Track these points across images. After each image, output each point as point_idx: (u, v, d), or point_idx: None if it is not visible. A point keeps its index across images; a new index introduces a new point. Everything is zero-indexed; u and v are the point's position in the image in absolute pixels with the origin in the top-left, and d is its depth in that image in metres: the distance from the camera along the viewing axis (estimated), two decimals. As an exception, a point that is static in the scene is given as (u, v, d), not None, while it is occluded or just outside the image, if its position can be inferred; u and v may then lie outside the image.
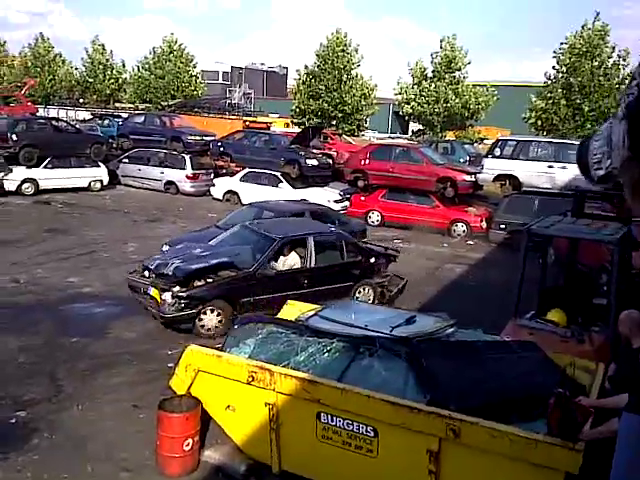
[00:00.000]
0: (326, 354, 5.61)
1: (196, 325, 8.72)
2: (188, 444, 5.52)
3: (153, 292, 8.79)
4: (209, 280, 8.92)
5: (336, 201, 18.78)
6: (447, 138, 30.28)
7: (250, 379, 5.31)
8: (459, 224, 17.02)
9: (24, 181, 18.82)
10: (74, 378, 7.29)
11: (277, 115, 36.62)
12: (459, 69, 31.09)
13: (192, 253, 9.57)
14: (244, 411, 5.51)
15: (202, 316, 8.77)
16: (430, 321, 6.16)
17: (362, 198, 18.51)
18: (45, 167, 19.34)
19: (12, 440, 5.93)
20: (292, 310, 7.24)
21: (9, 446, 5.82)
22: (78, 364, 7.66)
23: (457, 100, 30.23)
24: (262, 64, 69.77)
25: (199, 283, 8.85)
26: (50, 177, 19.31)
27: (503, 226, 15.68)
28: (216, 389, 5.65)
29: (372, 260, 10.63)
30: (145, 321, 9.27)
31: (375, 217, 17.99)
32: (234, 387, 5.48)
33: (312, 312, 6.61)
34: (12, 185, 18.58)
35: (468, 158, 23.44)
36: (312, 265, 9.76)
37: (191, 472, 5.61)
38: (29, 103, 28.60)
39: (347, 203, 18.80)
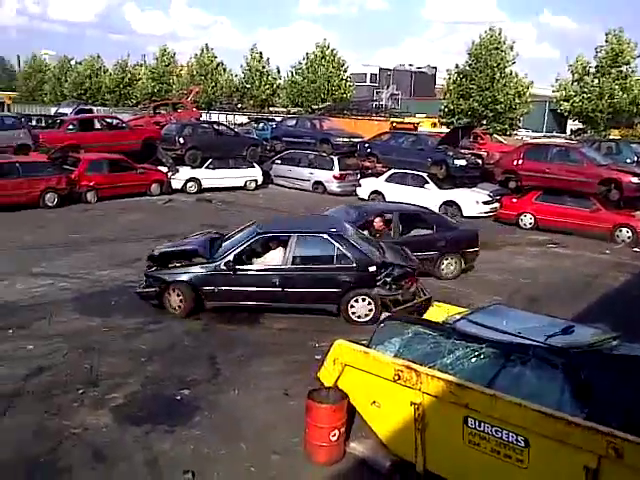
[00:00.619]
0: (474, 359, 5.50)
1: (163, 302, 9.40)
2: (335, 434, 5.70)
3: None
4: (176, 264, 9.55)
5: (485, 202, 18.18)
6: (611, 137, 27.92)
7: (396, 377, 5.37)
8: (624, 229, 15.65)
9: (188, 180, 20.56)
10: (231, 363, 7.84)
11: (424, 115, 36.24)
12: (627, 63, 28.58)
13: (183, 241, 10.65)
14: (389, 408, 5.57)
15: (168, 295, 9.35)
16: (589, 332, 5.77)
17: (514, 200, 17.71)
18: (207, 167, 20.96)
19: (177, 415, 6.54)
20: (439, 312, 7.17)
21: (175, 420, 6.41)
22: (234, 350, 8.22)
23: (624, 96, 27.79)
24: (410, 65, 69.39)
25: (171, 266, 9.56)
26: (211, 177, 20.89)
27: (677, 233, 14.19)
28: (362, 384, 5.77)
29: (371, 269, 9.24)
30: (293, 313, 9.68)
31: (528, 220, 17.13)
32: (380, 384, 5.56)
33: (460, 315, 6.49)
34: (178, 184, 20.37)
35: (636, 159, 21.41)
36: (288, 265, 9.20)
37: (336, 462, 5.79)
38: (194, 109, 31.06)
39: (497, 205, 18.12)
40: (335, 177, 21.38)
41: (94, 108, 37.75)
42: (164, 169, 20.42)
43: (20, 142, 18.71)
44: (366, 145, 22.09)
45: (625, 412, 4.50)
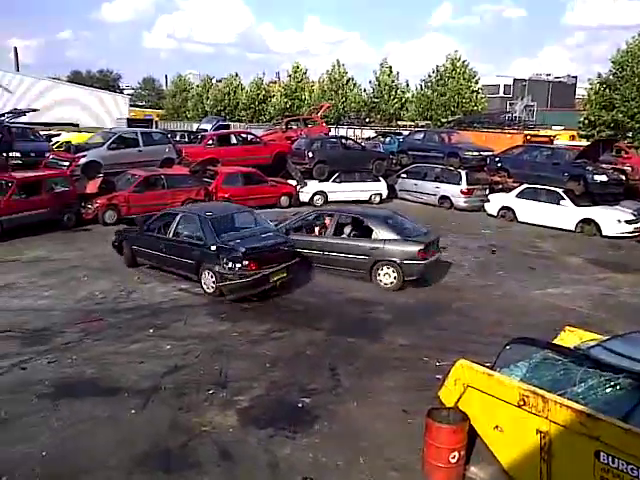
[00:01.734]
0: (609, 389, 5.16)
1: None
2: (454, 457, 5.58)
3: None
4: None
5: (628, 221, 16.85)
6: None
7: (521, 402, 5.16)
8: None
9: (315, 193, 21.12)
10: (351, 375, 7.95)
11: (562, 128, 34.31)
12: None
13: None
14: (513, 434, 5.36)
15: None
16: None
17: (661, 219, 16.25)
18: (333, 181, 21.41)
19: (299, 422, 6.74)
20: (571, 337, 6.77)
21: (297, 427, 6.62)
22: (355, 363, 8.32)
23: None
24: (548, 75, 66.28)
25: None
26: (337, 190, 21.29)
27: None
28: (484, 407, 5.60)
29: (212, 248, 10.92)
30: (417, 330, 9.62)
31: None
32: (504, 408, 5.37)
33: (594, 342, 6.09)
34: (306, 197, 21.00)
35: None
36: (169, 236, 11.83)
37: (456, 485, 5.66)
38: (323, 124, 31.90)
39: (642, 224, 16.73)
40: (462, 192, 20.89)
41: (231, 124, 40.03)
42: (293, 182, 21.16)
43: (166, 156, 20.32)
44: (496, 159, 21.37)
45: None
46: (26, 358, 8.11)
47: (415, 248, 11.69)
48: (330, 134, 29.75)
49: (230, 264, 10.62)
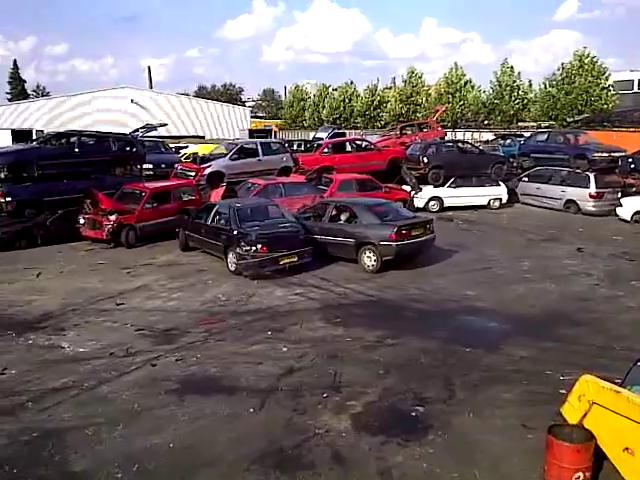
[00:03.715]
0: None
1: None
2: (578, 477, 5.27)
3: None
4: None
5: None
6: None
7: (655, 424, 4.76)
8: None
9: (431, 199, 20.82)
10: (466, 386, 7.72)
11: None
12: None
13: None
14: (646, 458, 4.95)
15: None
16: None
17: None
18: (449, 186, 20.99)
19: (411, 431, 6.66)
20: None
21: (409, 435, 6.55)
22: (470, 373, 8.08)
23: None
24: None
25: None
26: (453, 195, 20.86)
27: None
28: (613, 426, 5.24)
29: (235, 232, 13.06)
30: (539, 341, 9.17)
31: None
32: (635, 429, 4.99)
33: None
34: (421, 202, 20.75)
35: None
36: (209, 223, 14.14)
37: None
38: (439, 128, 31.37)
39: None
40: (591, 195, 19.63)
41: (346, 131, 40.52)
42: (408, 188, 21.00)
43: (283, 165, 21.01)
44: (629, 160, 19.88)
45: None
46: (156, 355, 8.73)
47: (388, 231, 12.99)
48: (446, 138, 29.21)
49: (246, 247, 12.73)
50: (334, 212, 14.33)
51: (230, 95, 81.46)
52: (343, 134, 36.15)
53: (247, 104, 76.07)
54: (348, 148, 23.84)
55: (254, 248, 12.66)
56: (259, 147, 21.08)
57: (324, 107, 54.06)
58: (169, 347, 9.05)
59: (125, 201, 16.60)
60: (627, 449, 5.11)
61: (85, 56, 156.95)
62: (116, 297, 11.49)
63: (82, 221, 16.14)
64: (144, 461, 6.07)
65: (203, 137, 39.97)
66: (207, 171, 19.26)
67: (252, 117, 57.80)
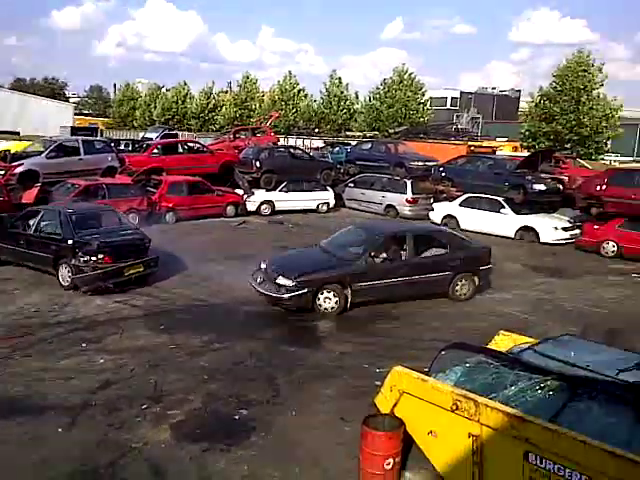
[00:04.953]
0: (539, 392, 5.20)
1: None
2: (389, 463, 5.52)
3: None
4: None
5: (565, 229, 17.42)
6: None
7: (454, 407, 5.16)
8: None
9: (263, 202, 21.00)
10: (290, 385, 7.82)
11: (505, 139, 35.32)
12: None
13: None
14: (446, 439, 5.35)
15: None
16: (669, 368, 5.33)
17: (595, 227, 16.83)
18: (281, 190, 21.34)
19: (234, 435, 6.56)
20: (505, 341, 6.86)
21: (232, 439, 6.44)
22: (294, 372, 8.20)
23: None
24: (493, 88, 68.25)
25: None
26: (285, 199, 21.25)
27: None
28: (419, 412, 5.58)
29: (69, 242, 11.57)
30: (358, 337, 9.59)
31: (610, 248, 16.20)
32: (437, 413, 5.36)
33: (526, 345, 6.18)
34: (253, 206, 20.85)
35: None
36: (31, 232, 12.38)
37: (390, 492, 5.60)
38: (272, 133, 31.84)
39: (577, 231, 17.30)
40: (408, 201, 21.16)
41: (179, 133, 39.49)
42: (240, 192, 20.98)
43: (108, 165, 19.79)
44: (441, 169, 21.75)
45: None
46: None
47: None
48: (279, 143, 29.71)
49: (85, 257, 11.33)
50: None
51: (52, 90, 75.07)
52: (175, 135, 35.14)
53: (71, 100, 70.77)
54: (180, 150, 23.16)
55: (94, 259, 11.29)
56: (81, 145, 19.61)
57: (156, 107, 52.21)
58: (-37, 366, 8.00)
59: None
60: (431, 432, 5.48)
61: None
62: None
63: None
64: None
65: (18, 133, 36.29)
66: (18, 170, 17.49)
67: (77, 114, 53.84)
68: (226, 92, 53.21)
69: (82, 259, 11.29)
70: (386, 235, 11.66)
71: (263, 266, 11.16)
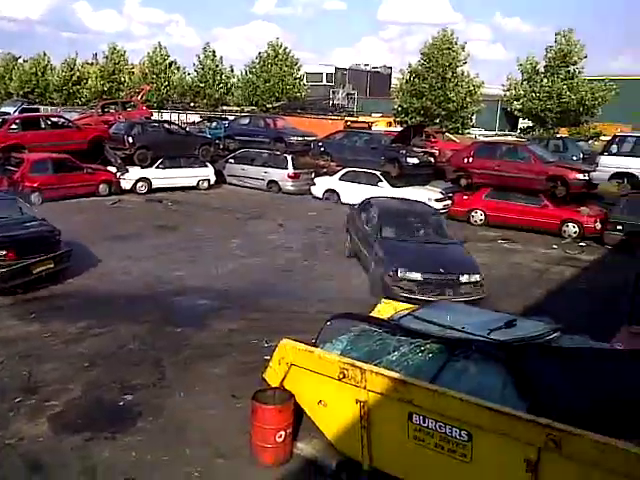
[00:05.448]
0: (419, 355, 5.48)
1: None
2: (281, 436, 5.60)
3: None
4: None
5: (437, 200, 18.36)
6: (559, 135, 28.67)
7: (341, 376, 5.31)
8: (570, 224, 16.04)
9: (138, 180, 20.06)
10: (176, 366, 7.65)
11: (380, 115, 36.44)
12: (574, 63, 29.34)
13: None
14: (335, 407, 5.51)
15: None
16: (532, 325, 5.83)
17: (465, 197, 17.97)
18: (157, 167, 20.49)
19: (119, 422, 6.32)
20: (386, 309, 7.15)
21: (117, 427, 6.20)
22: (181, 353, 8.03)
23: (572, 95, 28.55)
24: (366, 65, 69.84)
25: None
26: (162, 177, 20.44)
27: (620, 227, 14.75)
28: (308, 383, 5.69)
29: None
30: (246, 313, 9.55)
31: (478, 216, 17.40)
32: (326, 382, 5.49)
33: (406, 312, 6.48)
34: (128, 184, 19.87)
35: (582, 156, 22.04)
36: None
37: (283, 463, 5.70)
38: (144, 107, 30.42)
39: (449, 202, 18.35)
40: (289, 176, 21.23)
41: (41, 107, 36.55)
42: (113, 169, 19.89)
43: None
44: (320, 144, 22.02)
45: (563, 404, 4.54)
46: None
47: None
48: (152, 118, 28.46)
49: None
50: None
51: None
52: (36, 110, 32.49)
53: None
54: (42, 125, 21.38)
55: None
56: None
57: (12, 79, 47.80)
58: None
59: None
60: (320, 402, 5.62)
61: None
62: None
63: None
64: None
65: None
66: None
67: None
68: (91, 64, 49.80)
69: None
70: None
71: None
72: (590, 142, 27.47)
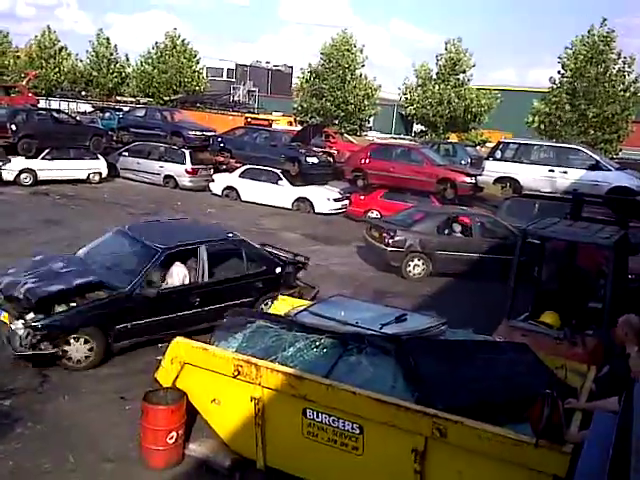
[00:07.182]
0: (314, 350, 5.55)
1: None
2: (172, 437, 5.45)
3: (3, 317, 7.33)
4: (72, 305, 7.30)
5: (336, 199, 18.72)
6: (449, 140, 30.18)
7: (236, 373, 5.25)
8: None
9: (22, 171, 18.71)
10: (60, 369, 7.21)
11: (281, 113, 36.53)
12: (463, 71, 30.98)
13: (52, 269, 7.87)
14: (229, 405, 5.44)
15: (66, 347, 7.13)
16: (420, 320, 6.09)
17: (361, 197, 18.41)
18: (44, 158, 19.22)
19: (-5, 429, 5.87)
20: (282, 305, 7.17)
21: (-7, 434, 5.76)
22: (66, 354, 7.57)
23: (460, 102, 30.13)
24: (267, 62, 69.72)
25: (59, 309, 7.23)
26: (49, 168, 19.19)
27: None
28: (202, 382, 5.58)
29: (278, 270, 9.10)
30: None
31: (374, 216, 17.90)
32: (220, 381, 5.41)
33: (302, 307, 6.53)
34: (10, 175, 18.49)
35: (469, 160, 23.35)
36: (205, 280, 8.19)
37: (175, 465, 5.56)
38: (30, 94, 28.53)
39: (347, 202, 18.74)
40: (187, 171, 20.74)
41: None
42: (-7, 159, 18.45)
43: None
44: (219, 139, 21.71)
45: (448, 394, 4.77)
46: None
47: None
48: (39, 106, 26.74)
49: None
50: None
51: None
52: None
53: None
54: None
55: None
56: None
57: None
58: None
59: None
60: (214, 400, 5.53)
61: None
62: None
63: None
64: None
65: None
66: None
67: None
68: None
69: None
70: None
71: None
72: (477, 148, 29.15)
